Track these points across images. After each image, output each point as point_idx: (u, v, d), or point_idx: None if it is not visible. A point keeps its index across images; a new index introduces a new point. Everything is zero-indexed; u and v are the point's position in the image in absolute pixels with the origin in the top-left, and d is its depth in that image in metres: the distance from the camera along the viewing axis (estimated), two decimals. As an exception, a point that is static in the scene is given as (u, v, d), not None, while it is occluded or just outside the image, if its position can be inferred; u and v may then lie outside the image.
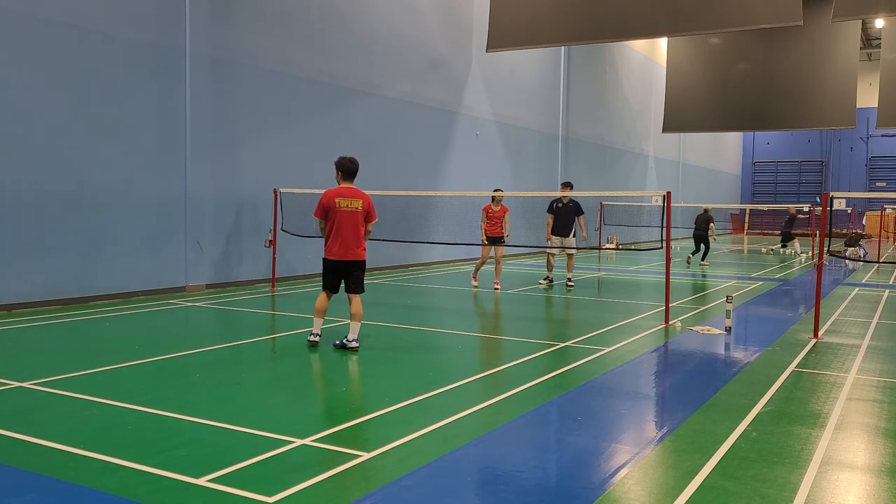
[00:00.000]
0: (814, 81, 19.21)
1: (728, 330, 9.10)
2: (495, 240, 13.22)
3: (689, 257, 20.05)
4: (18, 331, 8.50)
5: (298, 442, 4.67)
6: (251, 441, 4.73)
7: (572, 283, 13.75)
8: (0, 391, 5.83)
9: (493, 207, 13.24)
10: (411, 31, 16.97)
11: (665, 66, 21.32)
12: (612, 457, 4.57)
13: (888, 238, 35.08)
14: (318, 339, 7.74)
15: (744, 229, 42.04)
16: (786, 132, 43.46)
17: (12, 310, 9.70)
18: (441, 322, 10.19)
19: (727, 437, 4.90)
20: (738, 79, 20.02)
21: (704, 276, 16.94)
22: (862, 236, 30.75)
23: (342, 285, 7.75)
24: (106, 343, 8.00)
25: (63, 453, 4.44)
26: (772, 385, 6.38)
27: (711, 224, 20.31)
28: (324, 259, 7.71)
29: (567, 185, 13.64)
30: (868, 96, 30.43)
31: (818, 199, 24.02)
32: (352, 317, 7.61)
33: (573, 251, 13.77)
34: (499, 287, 13.21)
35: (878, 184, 43.16)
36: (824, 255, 9.30)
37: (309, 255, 14.37)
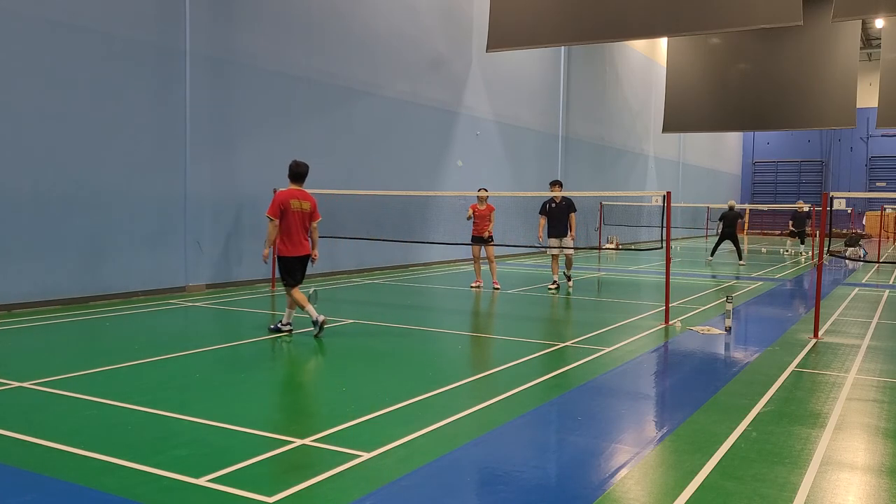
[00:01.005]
0: (814, 81, 19.21)
1: (728, 330, 9.10)
2: (480, 240, 13.21)
3: (708, 259, 20.20)
4: (18, 331, 8.50)
5: (298, 442, 4.67)
6: (251, 441, 4.73)
7: (571, 283, 13.73)
8: (0, 391, 5.83)
9: (478, 207, 13.24)
10: (411, 31, 16.97)
11: (665, 66, 21.33)
12: (612, 457, 4.57)
13: (888, 238, 35.08)
14: (323, 317, 8.35)
15: (744, 229, 42.04)
16: (786, 132, 43.46)
17: (12, 310, 9.71)
18: (441, 322, 10.19)
19: (727, 437, 4.90)
20: (738, 79, 20.02)
21: (706, 275, 16.95)
22: (862, 236, 30.76)
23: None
24: (106, 343, 8.00)
25: (63, 453, 4.44)
26: (772, 385, 6.38)
27: (740, 221, 20.35)
28: (283, 258, 8.35)
29: (557, 184, 13.26)
30: (868, 96, 30.45)
31: (798, 203, 24.19)
32: (304, 303, 8.31)
33: (571, 251, 13.68)
34: (498, 287, 13.20)
35: (878, 184, 43.17)
36: (824, 255, 9.30)
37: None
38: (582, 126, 25.69)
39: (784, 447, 4.74)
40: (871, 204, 40.19)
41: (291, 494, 3.85)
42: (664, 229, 9.88)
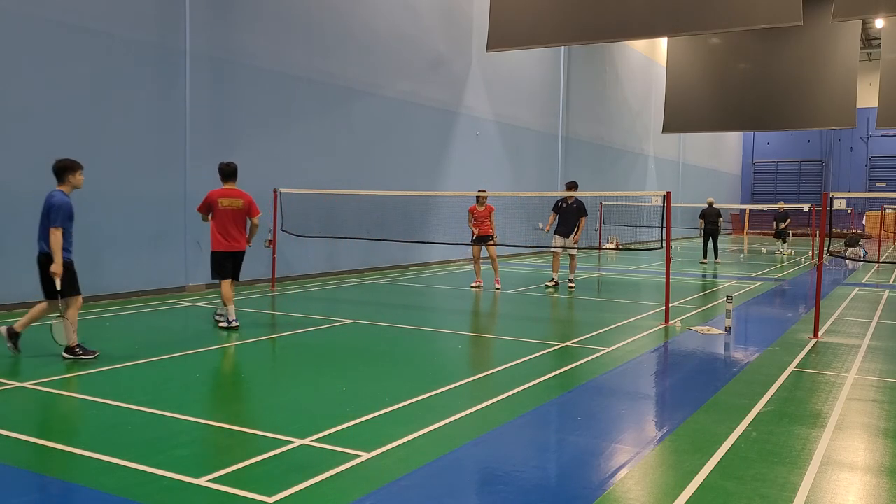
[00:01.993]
0: (814, 81, 19.21)
1: (728, 330, 9.10)
2: (483, 239, 13.25)
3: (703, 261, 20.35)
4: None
5: (298, 442, 4.67)
6: (251, 441, 4.73)
7: (573, 285, 13.74)
8: (0, 391, 5.83)
9: (477, 208, 13.27)
10: (411, 31, 16.97)
11: (665, 66, 21.33)
12: (612, 457, 4.57)
13: (888, 238, 35.08)
14: (237, 324, 8.66)
15: (744, 229, 42.04)
16: (786, 132, 43.46)
17: (12, 310, 9.70)
18: (441, 322, 10.19)
19: (727, 437, 4.90)
20: (738, 79, 20.01)
21: (704, 275, 16.94)
22: (862, 236, 30.76)
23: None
24: (106, 343, 7.99)
25: (63, 453, 4.44)
26: (772, 385, 6.38)
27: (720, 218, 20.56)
28: (214, 252, 8.78)
29: (572, 186, 13.61)
30: (868, 96, 30.44)
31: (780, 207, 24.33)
32: (229, 300, 8.68)
33: (575, 252, 13.78)
34: (499, 287, 13.21)
35: (878, 184, 43.16)
36: (824, 255, 9.30)
37: (309, 255, 14.38)
38: (582, 126, 25.69)
39: (784, 447, 4.74)
40: (871, 204, 40.18)
41: (291, 494, 3.85)
42: (664, 229, 9.88)
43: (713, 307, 11.42)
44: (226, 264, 8.84)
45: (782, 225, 24.11)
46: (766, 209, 40.27)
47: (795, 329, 9.40)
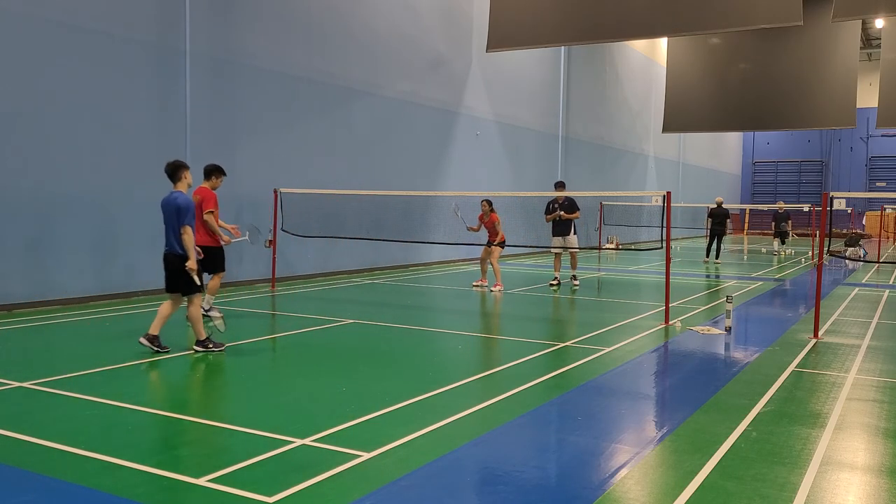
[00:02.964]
0: (814, 81, 19.20)
1: (728, 330, 9.10)
2: (490, 243, 13.34)
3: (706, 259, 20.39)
4: (18, 331, 8.50)
5: (298, 442, 4.67)
6: (251, 441, 4.73)
7: (577, 282, 13.83)
8: (0, 391, 5.83)
9: (483, 218, 13.33)
10: (411, 31, 16.97)
11: (665, 66, 21.32)
12: (612, 457, 4.57)
13: (888, 238, 35.08)
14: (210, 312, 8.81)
15: (744, 229, 42.04)
16: (786, 132, 43.45)
17: (12, 310, 9.70)
18: (441, 322, 10.19)
19: (727, 437, 4.90)
20: (738, 79, 20.01)
21: (709, 275, 16.94)
22: (862, 236, 30.75)
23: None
24: (106, 343, 7.99)
25: (63, 453, 4.43)
26: (772, 385, 6.37)
27: (728, 219, 20.65)
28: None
29: (561, 185, 13.97)
30: (868, 96, 30.42)
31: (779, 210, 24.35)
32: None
33: (575, 249, 13.94)
34: (494, 290, 13.16)
35: (878, 184, 43.16)
36: (824, 255, 9.30)
37: (309, 255, 14.38)
38: (582, 126, 25.69)
39: (784, 447, 4.74)
40: (871, 204, 40.17)
41: (291, 494, 3.85)
42: (664, 229, 9.88)
43: (713, 307, 11.42)
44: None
45: (784, 226, 24.08)
46: (766, 209, 40.30)
47: (795, 329, 9.40)
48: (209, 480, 4.02)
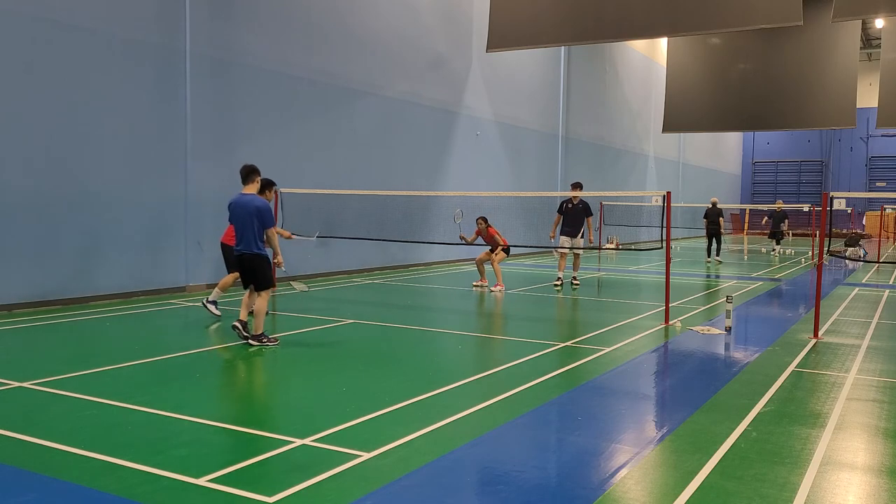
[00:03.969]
0: (814, 81, 19.19)
1: (728, 330, 9.10)
2: (492, 248, 13.35)
3: (708, 259, 20.42)
4: (18, 331, 8.50)
5: (298, 442, 4.67)
6: (251, 441, 4.73)
7: (578, 282, 13.86)
8: (0, 391, 5.83)
9: (482, 234, 13.31)
10: (411, 31, 16.97)
11: (665, 66, 21.31)
12: (612, 457, 4.57)
13: (888, 238, 35.08)
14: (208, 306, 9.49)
15: (744, 229, 42.03)
16: (786, 132, 43.44)
17: (12, 310, 9.71)
18: (441, 322, 10.19)
19: (727, 437, 4.90)
20: (738, 79, 19.99)
21: (709, 275, 16.94)
22: (862, 236, 30.75)
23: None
24: (106, 343, 8.00)
25: (63, 453, 4.44)
26: (772, 385, 6.37)
27: (721, 218, 20.69)
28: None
29: (577, 186, 13.78)
30: (868, 96, 30.42)
31: (775, 211, 24.29)
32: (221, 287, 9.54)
33: (580, 251, 13.95)
34: (494, 290, 13.16)
35: (878, 184, 43.14)
36: (824, 255, 9.30)
37: (309, 255, 14.37)
38: (582, 126, 25.68)
39: (784, 447, 4.74)
40: (871, 204, 40.17)
41: (291, 494, 3.85)
42: (664, 229, 9.88)
43: (713, 307, 11.41)
44: (231, 259, 8.99)
45: (781, 226, 24.09)
46: (765, 209, 40.30)
47: (795, 329, 9.40)
48: (209, 480, 4.02)
